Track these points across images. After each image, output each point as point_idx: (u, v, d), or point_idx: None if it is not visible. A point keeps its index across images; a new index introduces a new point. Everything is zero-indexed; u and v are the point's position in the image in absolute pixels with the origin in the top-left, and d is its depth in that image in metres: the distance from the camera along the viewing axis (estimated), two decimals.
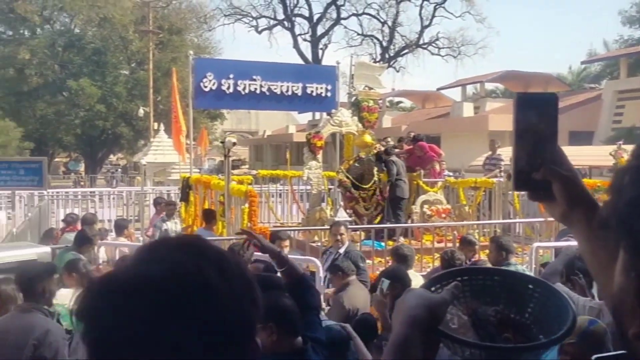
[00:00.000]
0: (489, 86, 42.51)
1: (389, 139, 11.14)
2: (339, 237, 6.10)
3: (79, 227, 7.60)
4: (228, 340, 0.74)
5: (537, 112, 0.96)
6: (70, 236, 7.04)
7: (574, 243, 5.57)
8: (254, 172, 14.95)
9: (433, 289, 0.98)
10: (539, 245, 6.86)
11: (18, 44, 33.52)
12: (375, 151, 9.43)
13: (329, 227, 7.94)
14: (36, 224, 10.07)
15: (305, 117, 47.66)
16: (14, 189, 9.33)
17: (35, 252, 4.96)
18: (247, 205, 6.85)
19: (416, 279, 4.75)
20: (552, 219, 5.09)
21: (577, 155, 16.97)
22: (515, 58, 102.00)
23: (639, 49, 33.45)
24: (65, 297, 4.35)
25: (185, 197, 10.35)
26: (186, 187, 10.28)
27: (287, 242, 5.81)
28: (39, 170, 8.92)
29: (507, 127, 30.75)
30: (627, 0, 40.05)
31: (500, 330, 0.98)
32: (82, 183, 32.83)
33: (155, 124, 25.18)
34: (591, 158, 15.62)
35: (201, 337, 0.72)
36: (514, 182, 0.98)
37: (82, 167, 43.90)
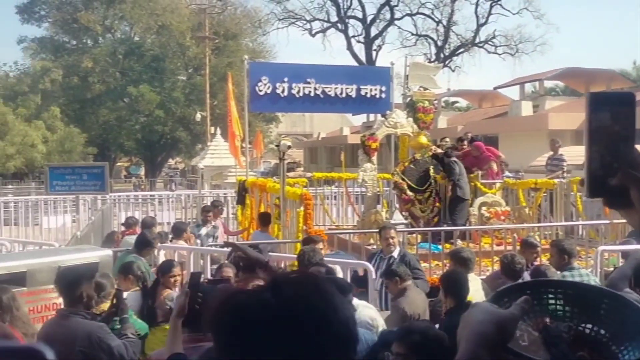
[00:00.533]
0: (549, 84, 41.28)
1: (447, 139, 10.94)
2: (390, 241, 6.01)
3: (139, 230, 7.80)
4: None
5: (611, 113, 0.90)
6: (131, 239, 7.23)
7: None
8: (309, 174, 14.99)
9: (501, 302, 0.93)
10: (605, 249, 6.57)
11: (81, 52, 34.99)
12: (430, 153, 9.28)
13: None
14: (99, 227, 10.44)
15: (359, 119, 47.62)
16: (77, 193, 9.68)
17: (97, 255, 5.10)
18: (302, 208, 6.86)
19: (476, 283, 4.64)
20: (617, 221, 4.83)
21: None
22: (577, 55, 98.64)
23: None
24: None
25: (241, 200, 10.48)
26: (242, 190, 10.41)
27: (320, 245, 5.76)
28: (101, 175, 9.23)
29: (568, 126, 30.01)
30: None
31: (575, 349, 0.92)
32: (142, 187, 33.90)
33: (212, 128, 25.71)
34: None
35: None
36: (588, 187, 0.91)
37: (142, 171, 45.33)
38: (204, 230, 8.51)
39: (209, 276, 5.30)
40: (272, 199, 8.77)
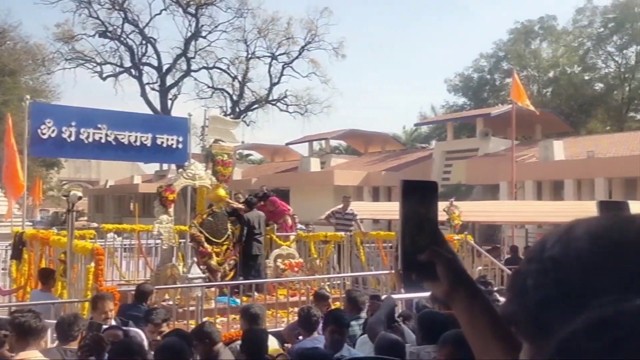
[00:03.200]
0: (334, 143, 44.74)
1: (240, 195, 11.16)
2: (108, 315, 5.07)
3: None
4: None
5: (419, 198, 1.03)
6: None
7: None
8: (94, 224, 14.05)
9: None
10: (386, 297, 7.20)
11: None
12: (228, 206, 9.38)
13: (181, 285, 7.69)
14: None
15: (151, 167, 46.19)
16: None
17: None
18: (92, 264, 6.37)
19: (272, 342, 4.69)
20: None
21: None
22: (358, 117, 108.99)
23: (462, 114, 37.45)
24: None
25: (17, 255, 9.35)
26: (19, 243, 9.32)
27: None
28: None
29: (351, 182, 32.43)
30: (451, 70, 44.84)
31: None
32: None
33: None
34: None
35: None
36: (401, 263, 1.02)
37: None
38: None
39: None
40: (56, 254, 7.99)
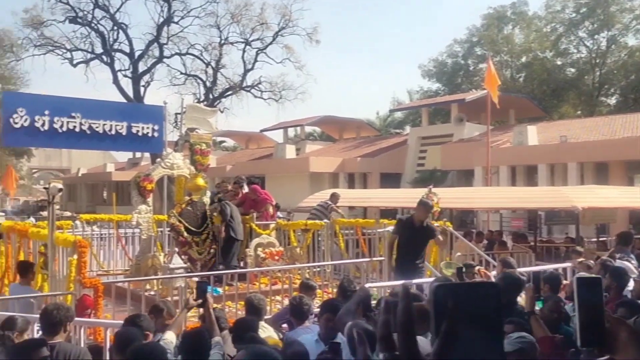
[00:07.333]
0: (308, 129, 44.68)
1: (227, 183, 11.06)
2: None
3: None
4: None
5: (589, 289, 1.38)
6: None
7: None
8: (67, 213, 13.86)
9: None
10: (370, 285, 7.27)
11: None
12: (208, 194, 9.35)
13: (163, 275, 7.65)
14: None
15: (124, 155, 45.57)
16: None
17: None
18: (75, 256, 6.29)
19: (267, 332, 4.73)
20: (376, 259, 5.79)
21: (390, 197, 18.39)
22: (332, 104, 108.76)
23: (437, 100, 37.69)
24: None
25: None
26: None
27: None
28: None
29: (326, 169, 32.40)
30: (425, 56, 45.02)
31: None
32: None
33: None
34: (402, 200, 16.80)
35: None
36: (581, 341, 1.36)
37: None
38: None
39: None
40: (36, 246, 7.87)
